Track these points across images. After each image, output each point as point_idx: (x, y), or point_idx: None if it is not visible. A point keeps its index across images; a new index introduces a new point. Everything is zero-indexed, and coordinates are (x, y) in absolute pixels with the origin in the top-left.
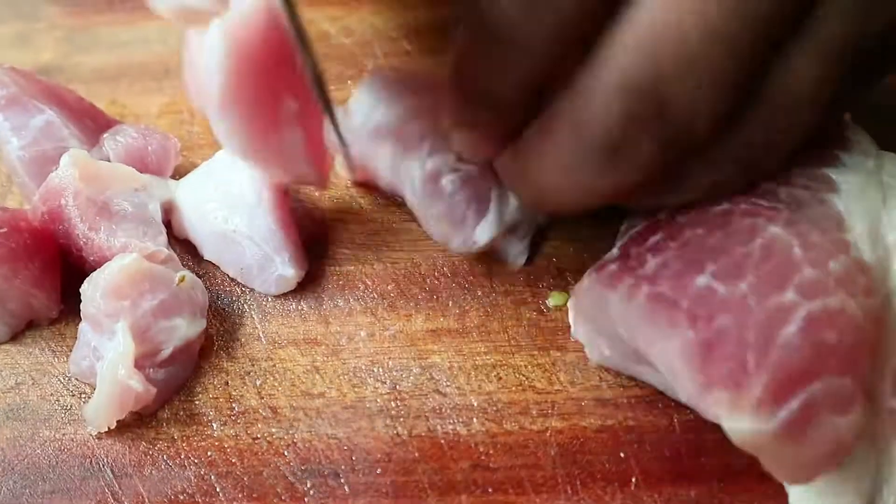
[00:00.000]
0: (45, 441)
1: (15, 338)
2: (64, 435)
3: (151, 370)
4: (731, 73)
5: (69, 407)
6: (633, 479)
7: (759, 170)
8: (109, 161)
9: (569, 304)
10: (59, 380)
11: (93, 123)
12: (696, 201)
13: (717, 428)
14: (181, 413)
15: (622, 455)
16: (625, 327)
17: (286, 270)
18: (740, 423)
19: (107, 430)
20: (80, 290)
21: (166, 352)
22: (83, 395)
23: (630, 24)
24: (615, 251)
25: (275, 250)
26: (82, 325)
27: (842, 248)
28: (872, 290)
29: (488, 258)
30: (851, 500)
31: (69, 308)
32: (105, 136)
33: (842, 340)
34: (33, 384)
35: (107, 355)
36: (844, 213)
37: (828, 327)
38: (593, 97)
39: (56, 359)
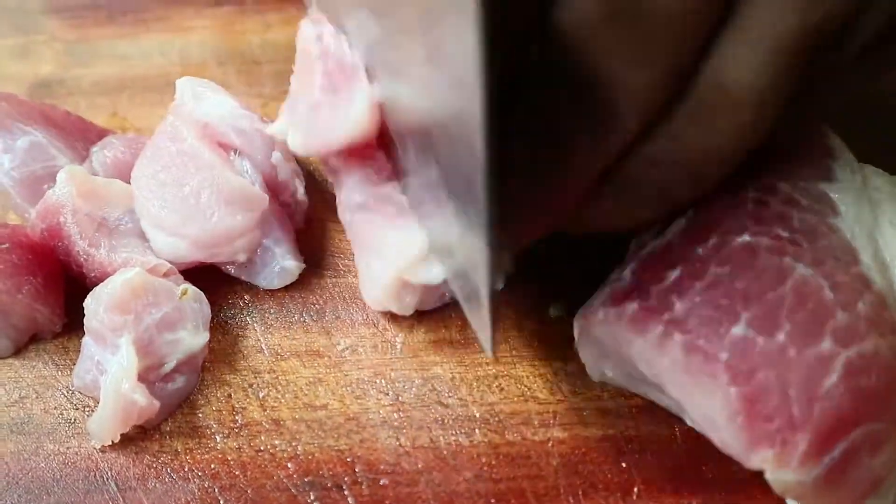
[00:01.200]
0: (50, 455)
1: (19, 352)
2: (68, 448)
3: (155, 384)
4: (665, 57)
5: (73, 420)
6: (636, 489)
7: (705, 176)
8: (99, 175)
9: (574, 324)
10: (62, 393)
11: (82, 137)
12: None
13: None
14: (184, 426)
15: (624, 465)
16: (651, 372)
17: (287, 262)
18: (785, 476)
19: (111, 443)
20: (84, 304)
21: (170, 365)
22: (87, 409)
23: None
24: (627, 276)
25: (274, 242)
26: (86, 340)
27: (864, 284)
28: (894, 324)
29: None
30: None
31: (72, 322)
32: (93, 149)
33: (878, 385)
34: (37, 398)
35: (110, 369)
36: (852, 240)
37: (865, 374)
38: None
39: (60, 372)
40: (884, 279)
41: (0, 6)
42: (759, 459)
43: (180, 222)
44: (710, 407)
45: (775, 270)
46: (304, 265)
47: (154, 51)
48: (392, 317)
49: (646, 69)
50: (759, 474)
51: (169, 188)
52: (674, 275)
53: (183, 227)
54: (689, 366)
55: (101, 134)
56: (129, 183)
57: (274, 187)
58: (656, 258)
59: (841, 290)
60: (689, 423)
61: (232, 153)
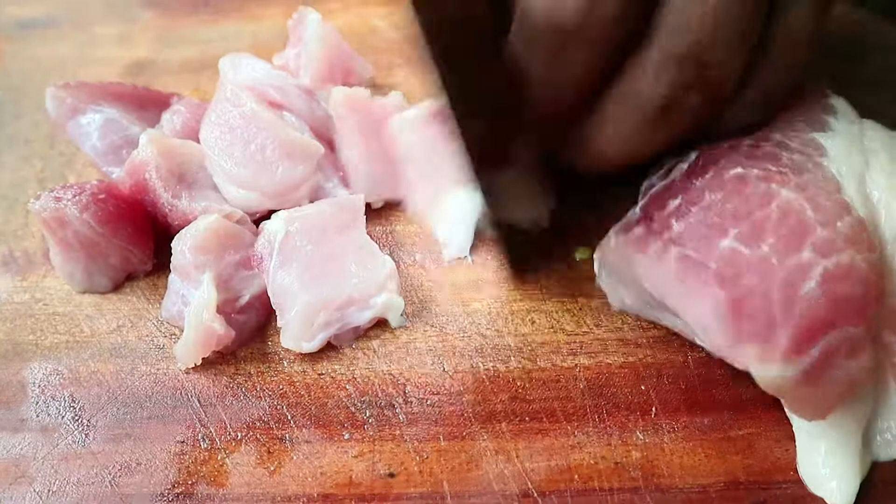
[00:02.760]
0: (143, 375)
1: (116, 288)
2: (158, 370)
3: (232, 315)
4: (746, 24)
5: (162, 346)
6: (653, 409)
7: (770, 109)
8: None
9: (594, 258)
10: (153, 323)
11: (152, 105)
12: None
13: (726, 364)
14: (256, 352)
15: (643, 388)
16: (653, 285)
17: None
18: (769, 371)
19: (194, 366)
20: (172, 245)
21: (244, 299)
22: (173, 336)
23: (668, 7)
24: (637, 211)
25: (330, 183)
26: (172, 276)
27: (845, 209)
28: (873, 244)
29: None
30: (851, 428)
31: (161, 263)
32: (164, 115)
33: (853, 292)
34: (132, 327)
35: (193, 302)
36: (838, 176)
37: (841, 281)
38: (647, 72)
39: (150, 305)
40: (866, 209)
41: (103, 0)
42: (744, 353)
43: (251, 177)
44: (701, 311)
45: (762, 194)
46: (362, 196)
47: (231, 35)
48: (435, 259)
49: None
50: (762, 395)
51: (237, 147)
52: (674, 203)
53: (254, 181)
54: (683, 274)
55: (167, 100)
56: (199, 142)
57: (319, 134)
58: (661, 194)
59: (822, 211)
60: (698, 342)
61: (284, 112)
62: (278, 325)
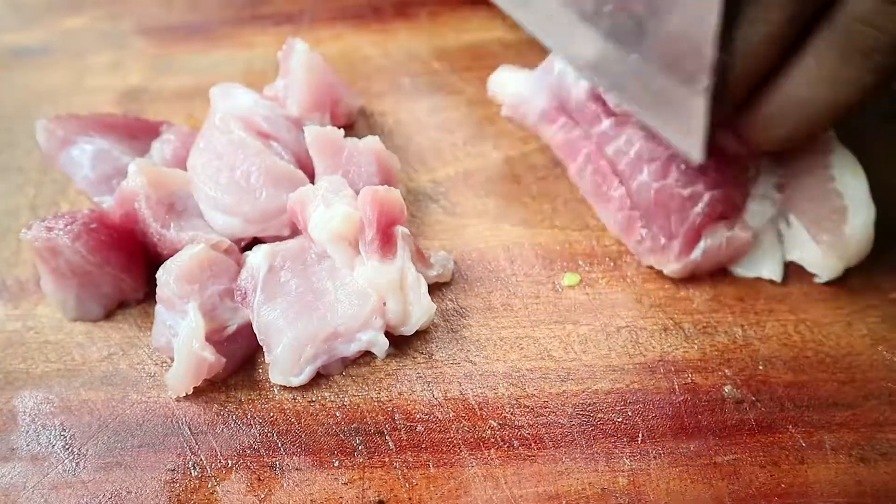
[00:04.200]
0: (134, 403)
1: (108, 315)
2: (149, 398)
3: (221, 343)
4: None
5: (153, 374)
6: (640, 435)
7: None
8: (160, 165)
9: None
10: (144, 351)
11: (142, 134)
12: None
13: (712, 389)
14: (247, 379)
15: (629, 414)
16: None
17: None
18: (669, 267)
19: (185, 394)
20: (156, 276)
21: (231, 328)
22: (164, 364)
23: None
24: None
25: None
26: (158, 307)
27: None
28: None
29: (509, 248)
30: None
31: (153, 290)
32: (154, 144)
33: (729, 210)
34: (123, 354)
35: (181, 332)
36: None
37: (720, 203)
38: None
39: (142, 333)
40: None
41: (97, 28)
42: (650, 260)
43: (234, 202)
44: (615, 223)
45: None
46: None
47: (223, 63)
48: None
49: None
50: (746, 420)
51: (222, 173)
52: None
53: (237, 206)
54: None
55: (157, 128)
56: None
57: (305, 164)
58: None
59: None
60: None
61: (271, 141)
62: (266, 360)
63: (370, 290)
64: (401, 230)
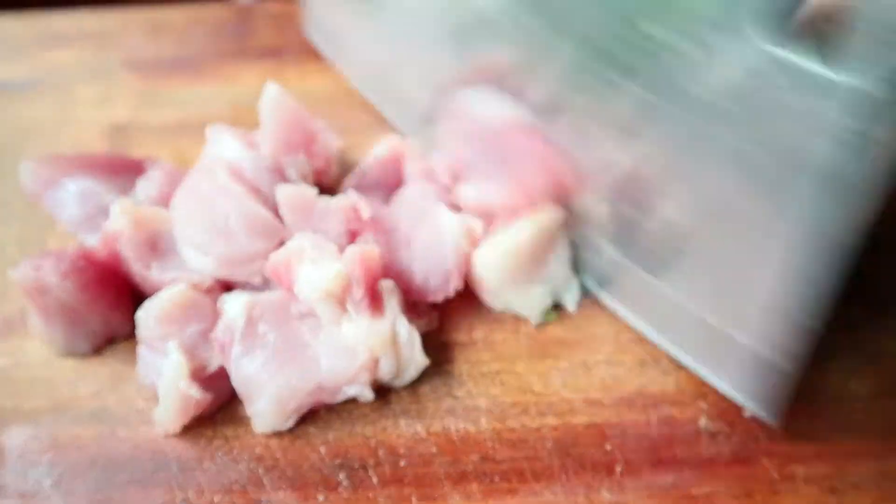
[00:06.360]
0: (122, 439)
1: (97, 351)
2: (138, 434)
3: (206, 380)
4: None
5: (142, 410)
6: (618, 468)
7: None
8: (144, 204)
9: None
10: (132, 387)
11: (126, 172)
12: None
13: (689, 423)
14: (234, 415)
15: (608, 447)
16: None
17: None
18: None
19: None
20: (136, 316)
21: (213, 367)
22: (153, 400)
23: None
24: None
25: None
26: (140, 348)
27: None
28: None
29: None
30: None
31: None
32: (139, 182)
33: None
34: (112, 390)
35: (165, 371)
36: None
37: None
38: None
39: (130, 368)
40: None
41: (84, 62)
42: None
43: (209, 241)
44: None
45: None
46: None
47: (210, 97)
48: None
49: None
50: (723, 453)
51: (202, 213)
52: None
53: (211, 246)
54: None
55: (140, 165)
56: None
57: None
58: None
59: None
60: None
61: (253, 191)
62: (248, 412)
63: (360, 347)
64: (385, 284)
